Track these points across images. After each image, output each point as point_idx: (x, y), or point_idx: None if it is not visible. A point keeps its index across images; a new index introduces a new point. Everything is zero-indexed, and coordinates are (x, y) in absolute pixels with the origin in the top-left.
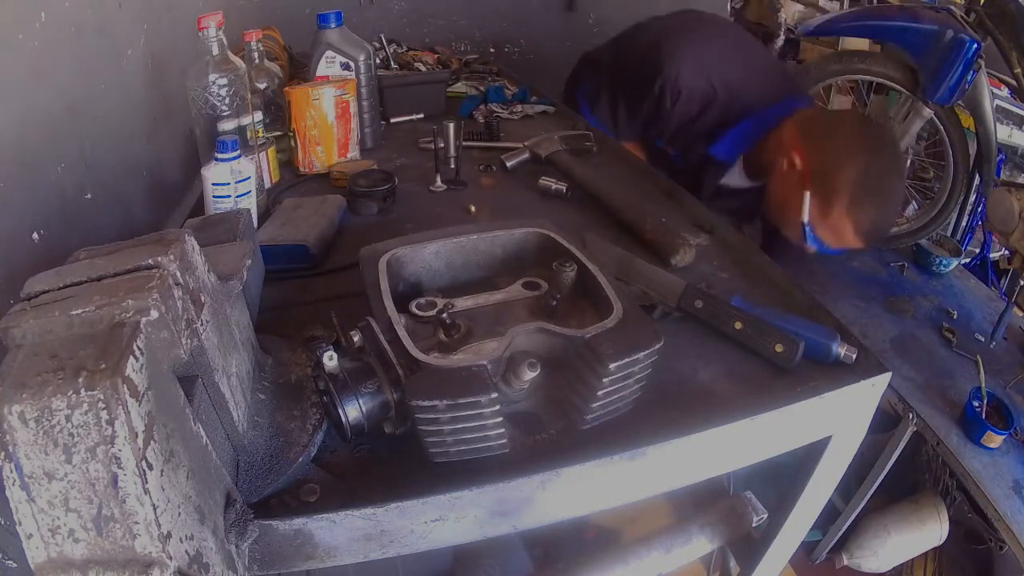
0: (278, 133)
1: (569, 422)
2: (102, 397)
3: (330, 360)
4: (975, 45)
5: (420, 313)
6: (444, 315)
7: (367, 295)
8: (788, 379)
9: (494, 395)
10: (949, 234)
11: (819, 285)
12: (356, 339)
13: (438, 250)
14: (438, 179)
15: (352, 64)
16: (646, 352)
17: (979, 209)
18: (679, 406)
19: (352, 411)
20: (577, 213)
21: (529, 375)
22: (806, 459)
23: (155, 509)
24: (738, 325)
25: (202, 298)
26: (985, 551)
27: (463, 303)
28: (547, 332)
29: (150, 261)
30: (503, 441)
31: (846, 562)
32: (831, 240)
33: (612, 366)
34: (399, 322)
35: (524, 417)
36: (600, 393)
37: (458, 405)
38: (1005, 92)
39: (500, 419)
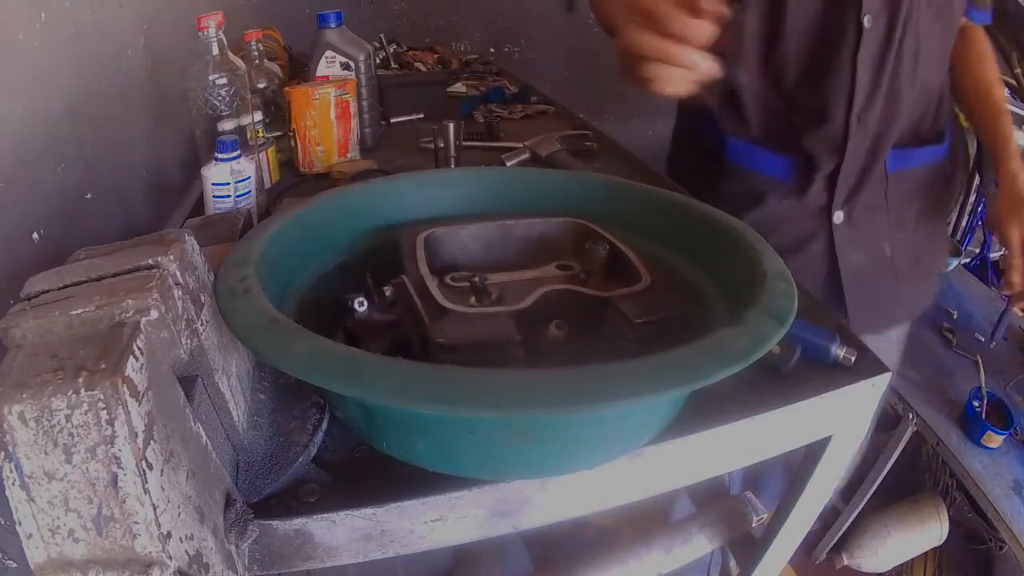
0: (278, 133)
1: None
2: (102, 397)
3: (360, 307)
4: None
5: (454, 284)
6: (476, 278)
7: (403, 264)
8: (788, 379)
9: (518, 338)
10: (949, 234)
11: None
12: (388, 293)
13: (476, 232)
14: None
15: (352, 64)
16: (674, 315)
17: (979, 209)
18: None
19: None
20: None
21: (555, 335)
22: (806, 459)
23: (155, 509)
24: None
25: (202, 298)
26: (985, 551)
27: (496, 277)
28: (574, 293)
29: (150, 261)
30: None
31: (846, 562)
32: None
33: (638, 322)
34: (431, 280)
35: None
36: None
37: (481, 346)
38: (1005, 92)
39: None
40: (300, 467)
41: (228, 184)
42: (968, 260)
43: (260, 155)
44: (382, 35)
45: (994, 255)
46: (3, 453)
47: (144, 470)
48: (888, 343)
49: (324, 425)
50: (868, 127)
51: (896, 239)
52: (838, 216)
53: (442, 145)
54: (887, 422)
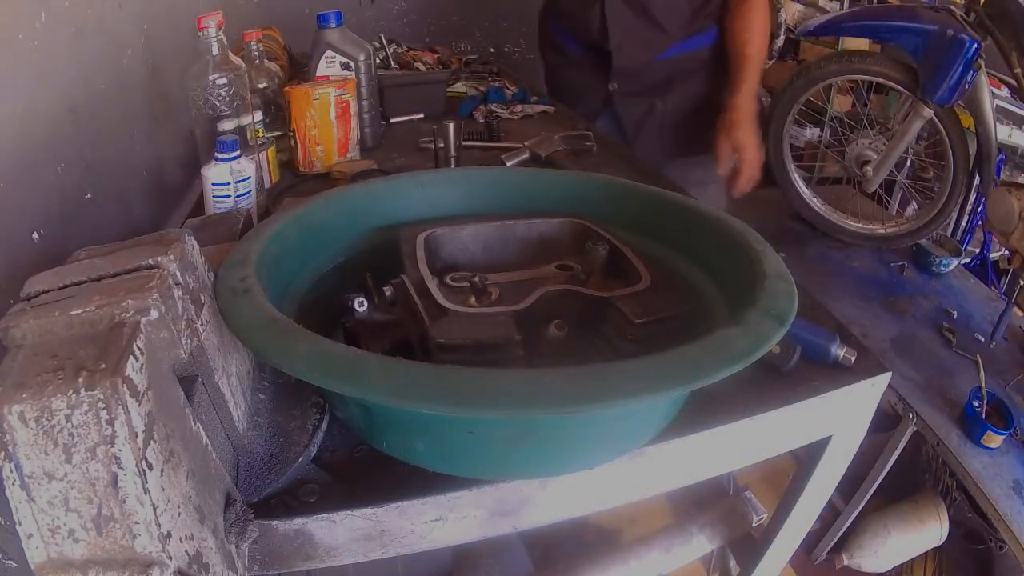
0: (278, 133)
1: None
2: (102, 397)
3: (360, 307)
4: (975, 45)
5: (454, 284)
6: (476, 278)
7: (404, 264)
8: (788, 379)
9: (518, 338)
10: (949, 234)
11: (819, 285)
12: (388, 293)
13: (476, 232)
14: None
15: (352, 64)
16: (674, 315)
17: (979, 209)
18: None
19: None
20: None
21: (555, 335)
22: (806, 459)
23: (155, 509)
24: None
25: (202, 298)
26: (985, 551)
27: (496, 277)
28: (574, 293)
29: (150, 261)
30: None
31: (846, 562)
32: None
33: (638, 322)
34: (431, 280)
35: None
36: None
37: (481, 346)
38: (1005, 92)
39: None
40: (300, 467)
41: (228, 184)
42: (968, 260)
43: (260, 155)
44: (382, 35)
45: (994, 255)
46: (3, 453)
47: (144, 470)
48: None
49: (324, 425)
50: (626, 53)
51: (661, 103)
52: (612, 86)
53: (442, 145)
54: (887, 422)
